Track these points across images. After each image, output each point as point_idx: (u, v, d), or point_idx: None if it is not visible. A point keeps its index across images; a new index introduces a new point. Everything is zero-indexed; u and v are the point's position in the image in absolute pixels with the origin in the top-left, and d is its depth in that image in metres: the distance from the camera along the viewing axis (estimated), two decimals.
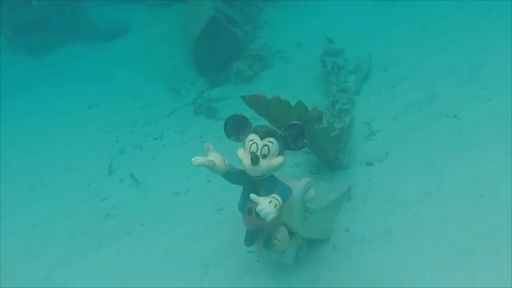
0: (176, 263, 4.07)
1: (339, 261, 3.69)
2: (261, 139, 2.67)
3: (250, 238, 3.10)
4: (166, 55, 7.89)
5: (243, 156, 2.71)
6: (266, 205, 2.53)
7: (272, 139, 2.68)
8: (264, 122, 3.47)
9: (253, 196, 2.69)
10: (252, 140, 2.69)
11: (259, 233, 3.07)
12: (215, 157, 2.76)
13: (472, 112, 4.82)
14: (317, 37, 7.04)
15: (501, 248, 3.47)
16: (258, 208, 2.64)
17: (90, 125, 6.51)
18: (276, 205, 2.68)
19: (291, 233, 3.29)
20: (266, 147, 2.66)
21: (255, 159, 2.62)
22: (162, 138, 5.83)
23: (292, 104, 3.56)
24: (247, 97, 2.99)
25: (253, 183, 2.78)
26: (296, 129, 2.72)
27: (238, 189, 3.16)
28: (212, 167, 2.71)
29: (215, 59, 6.85)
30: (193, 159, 2.78)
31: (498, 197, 3.87)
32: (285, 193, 2.88)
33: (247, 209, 2.81)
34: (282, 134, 2.73)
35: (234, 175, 2.84)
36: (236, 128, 2.95)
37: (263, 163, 2.64)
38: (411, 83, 5.60)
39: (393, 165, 4.51)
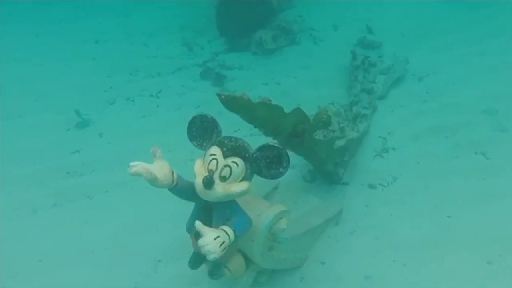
0: (126, 248, 3.59)
1: None
2: (224, 157, 2.08)
3: (196, 261, 2.57)
4: (193, 3, 7.20)
5: (199, 171, 2.14)
6: (210, 241, 1.98)
7: (237, 160, 2.09)
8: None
9: (198, 224, 2.12)
10: (213, 155, 2.10)
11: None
12: (159, 168, 2.21)
13: (506, 156, 4.09)
14: (357, 22, 6.31)
15: None
16: (200, 242, 2.08)
17: (89, 63, 6.01)
18: (223, 243, 2.11)
19: (250, 260, 2.74)
20: (227, 168, 2.08)
21: (208, 183, 2.05)
22: (158, 97, 5.28)
23: (288, 110, 2.93)
24: (223, 97, 2.35)
25: (207, 204, 2.21)
26: (274, 153, 2.11)
27: None
28: (151, 181, 2.13)
29: (240, 21, 6.17)
30: (131, 163, 2.21)
31: (508, 267, 3.23)
32: (242, 226, 2.30)
33: (195, 231, 2.24)
34: (254, 155, 2.13)
35: (184, 190, 2.28)
36: (202, 131, 2.35)
37: (219, 187, 2.07)
38: (446, 101, 4.86)
39: (397, 195, 3.88)
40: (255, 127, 2.94)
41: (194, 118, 2.39)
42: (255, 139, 2.91)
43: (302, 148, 3.33)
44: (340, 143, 3.82)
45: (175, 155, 4.34)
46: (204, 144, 2.35)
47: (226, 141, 2.25)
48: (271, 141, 2.34)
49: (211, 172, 2.18)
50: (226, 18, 6.25)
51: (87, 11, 7.31)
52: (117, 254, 3.55)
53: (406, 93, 5.09)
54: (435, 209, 3.74)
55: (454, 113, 4.71)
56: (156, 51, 6.21)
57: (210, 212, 2.33)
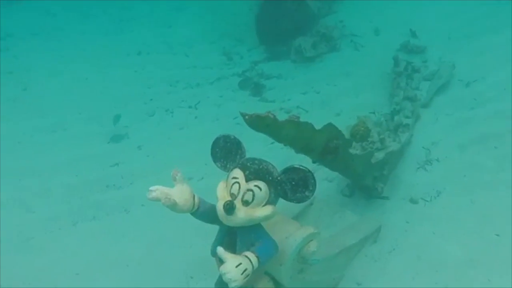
0: (160, 263, 3.59)
1: None
2: (247, 180, 2.00)
3: (222, 283, 2.50)
4: (234, 10, 7.20)
5: (221, 195, 2.08)
6: (232, 268, 1.92)
7: (261, 184, 2.01)
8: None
9: (220, 250, 2.07)
10: (235, 178, 2.03)
11: None
12: (179, 192, 2.15)
13: None
14: (400, 25, 6.08)
15: None
16: (221, 269, 2.02)
17: (131, 74, 6.12)
18: (245, 270, 2.04)
19: (279, 283, 2.64)
20: (250, 193, 2.00)
21: (229, 209, 1.98)
22: (197, 108, 5.30)
23: (326, 119, 2.82)
24: (247, 117, 2.26)
25: (231, 228, 2.15)
26: (299, 176, 2.02)
27: None
28: (170, 206, 2.09)
29: (280, 28, 6.10)
30: (150, 188, 2.18)
31: None
32: (266, 252, 2.21)
33: (218, 256, 2.18)
34: (278, 178, 2.04)
35: (206, 215, 2.22)
36: (226, 152, 2.28)
37: (241, 212, 2.00)
38: (495, 108, 4.57)
39: (441, 210, 3.67)
40: (284, 146, 2.84)
41: (217, 138, 2.33)
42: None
43: (337, 164, 3.20)
44: (379, 155, 3.68)
45: (209, 169, 4.37)
46: (228, 165, 2.29)
47: (249, 164, 2.17)
48: (296, 163, 2.24)
49: (233, 196, 2.11)
50: (265, 26, 6.20)
51: (131, 23, 7.47)
52: (151, 269, 3.55)
53: (452, 100, 4.84)
54: (482, 226, 3.50)
55: (503, 121, 4.41)
56: (196, 61, 6.24)
57: (234, 236, 2.26)
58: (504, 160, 4.04)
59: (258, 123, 2.37)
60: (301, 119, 2.59)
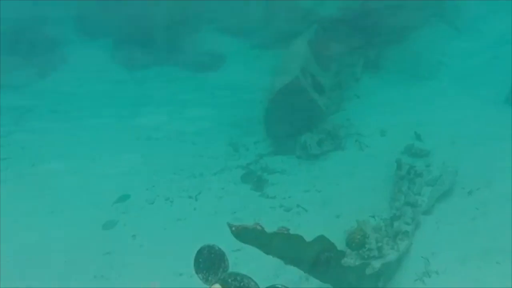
0: None
1: None
2: None
3: None
4: (245, 101, 7.40)
5: None
6: None
7: None
8: None
9: None
10: None
11: None
12: None
13: None
14: (406, 127, 6.14)
15: None
16: None
17: (137, 159, 6.20)
18: None
19: None
20: None
21: None
22: (197, 199, 5.30)
23: (326, 222, 2.79)
24: (233, 228, 2.23)
25: None
26: None
27: None
28: None
29: (287, 123, 6.19)
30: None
31: None
32: None
33: None
34: None
35: None
36: (209, 264, 2.22)
37: None
38: (498, 220, 4.49)
39: None
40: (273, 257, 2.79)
41: (202, 248, 2.28)
42: None
43: (329, 276, 3.12)
44: (375, 265, 3.57)
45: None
46: (209, 278, 2.22)
47: (230, 280, 2.11)
48: (278, 283, 2.17)
49: None
50: (274, 120, 6.29)
51: (146, 108, 7.61)
52: None
53: (454, 209, 4.78)
54: None
55: (507, 235, 4.29)
56: (202, 150, 6.31)
57: None
58: (507, 278, 3.88)
59: (246, 235, 2.34)
60: (301, 219, 2.57)
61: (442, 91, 6.78)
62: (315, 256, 2.71)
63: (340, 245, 3.48)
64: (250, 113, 7.07)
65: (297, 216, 4.75)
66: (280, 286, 2.09)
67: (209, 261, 2.20)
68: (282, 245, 2.44)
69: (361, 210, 4.68)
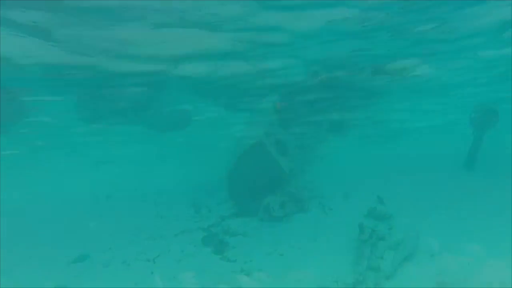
0: None
1: None
2: None
3: None
4: (213, 161, 7.35)
5: None
6: None
7: None
8: None
9: None
10: None
11: None
12: None
13: None
14: (369, 191, 6.18)
15: None
16: None
17: (95, 220, 5.96)
18: None
19: None
20: None
21: None
22: (155, 262, 5.09)
23: None
24: None
25: None
26: None
27: None
28: None
29: (250, 185, 6.16)
30: None
31: None
32: None
33: None
34: None
35: None
36: None
37: None
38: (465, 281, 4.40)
39: None
40: None
41: None
42: None
43: None
44: None
45: None
46: None
47: None
48: None
49: None
50: (237, 181, 6.27)
51: (107, 164, 7.54)
52: None
53: (416, 273, 4.70)
54: None
55: None
56: (164, 210, 6.20)
57: None
58: None
59: None
60: (262, 284, 2.44)
61: (404, 154, 6.90)
62: None
63: None
64: (216, 174, 7.03)
65: (258, 282, 4.59)
66: None
67: None
68: None
69: (324, 275, 4.58)
